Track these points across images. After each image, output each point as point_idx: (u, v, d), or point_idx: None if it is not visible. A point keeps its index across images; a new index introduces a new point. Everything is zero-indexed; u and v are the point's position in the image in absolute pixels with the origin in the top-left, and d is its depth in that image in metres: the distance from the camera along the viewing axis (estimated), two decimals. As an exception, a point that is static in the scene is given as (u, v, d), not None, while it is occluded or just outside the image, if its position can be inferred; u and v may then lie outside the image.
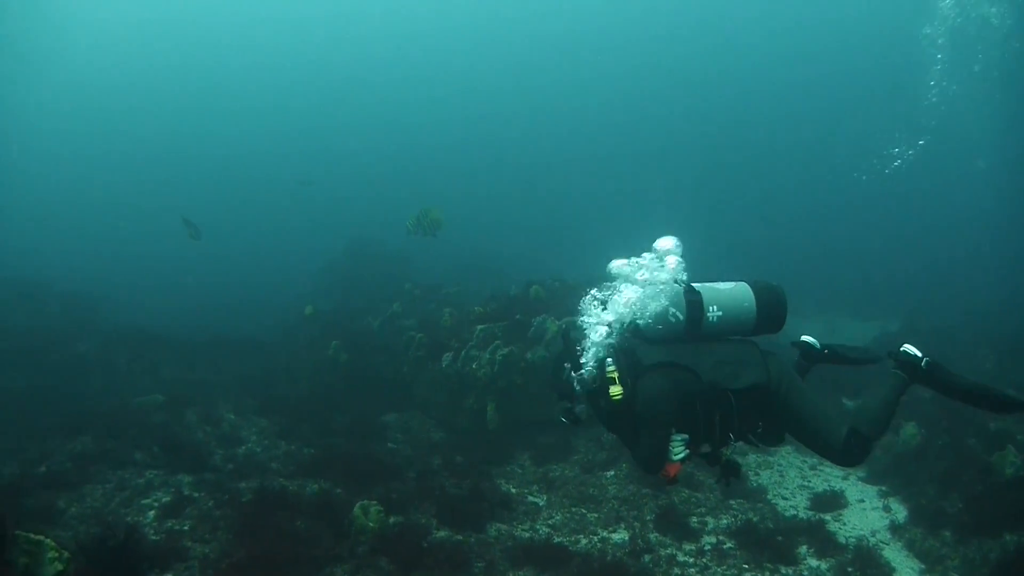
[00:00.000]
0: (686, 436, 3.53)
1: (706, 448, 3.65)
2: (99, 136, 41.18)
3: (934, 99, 19.43)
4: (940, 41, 18.40)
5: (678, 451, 3.49)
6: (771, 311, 3.71)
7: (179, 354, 13.31)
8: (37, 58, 33.54)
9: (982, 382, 3.62)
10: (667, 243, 3.94)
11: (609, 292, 3.84)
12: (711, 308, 3.60)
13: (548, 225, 28.01)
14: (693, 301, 3.59)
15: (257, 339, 14.67)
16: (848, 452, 3.56)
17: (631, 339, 3.64)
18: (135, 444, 8.63)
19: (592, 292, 3.88)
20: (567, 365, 3.67)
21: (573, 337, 3.73)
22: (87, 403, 10.32)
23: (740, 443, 3.68)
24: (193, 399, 10.36)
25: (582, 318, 3.81)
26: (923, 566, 6.39)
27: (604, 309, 3.79)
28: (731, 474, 3.64)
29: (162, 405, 10.02)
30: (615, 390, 3.37)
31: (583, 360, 3.62)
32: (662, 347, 3.55)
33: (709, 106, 41.83)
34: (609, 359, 3.50)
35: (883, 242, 26.14)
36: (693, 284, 3.70)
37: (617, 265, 3.90)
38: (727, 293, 3.68)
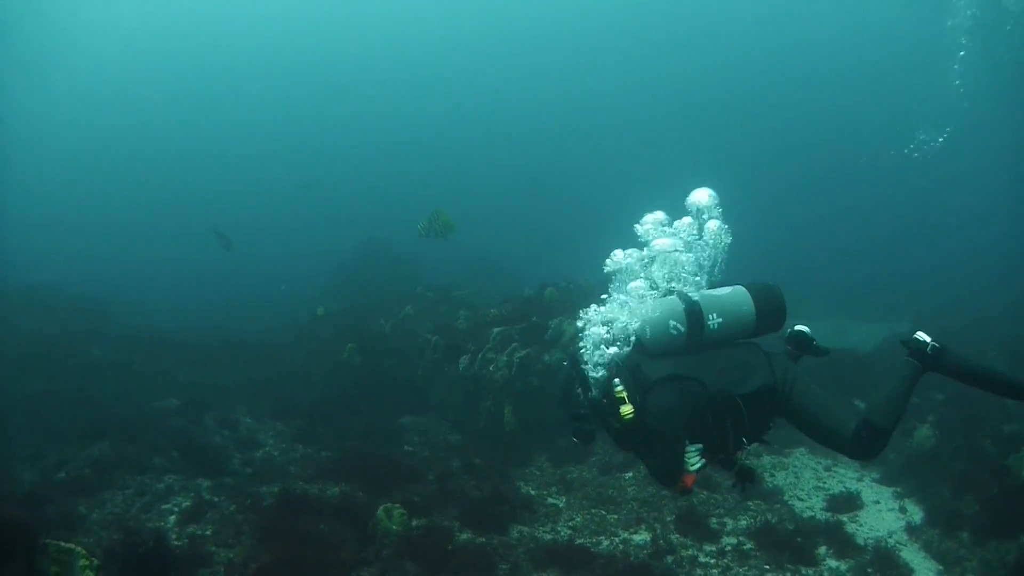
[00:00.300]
0: (700, 446, 3.54)
1: (721, 455, 3.65)
2: (107, 139, 41.21)
3: (957, 83, 19.24)
4: (965, 26, 18.22)
5: (694, 461, 3.50)
6: (770, 312, 3.71)
7: (193, 358, 13.38)
8: (44, 61, 33.61)
9: (994, 367, 3.60)
10: (702, 196, 3.83)
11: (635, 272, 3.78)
12: (711, 316, 3.59)
13: (556, 228, 28.01)
14: (693, 311, 3.59)
15: (269, 342, 14.74)
16: (859, 444, 3.54)
17: (635, 355, 3.64)
18: (153, 449, 8.67)
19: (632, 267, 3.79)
20: (576, 386, 3.67)
21: (580, 353, 3.72)
22: (103, 408, 10.38)
23: (754, 444, 3.69)
24: (209, 403, 10.41)
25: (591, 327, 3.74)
26: (941, 567, 6.42)
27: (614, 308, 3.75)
28: (746, 480, 3.65)
29: (178, 409, 10.08)
30: (625, 409, 3.37)
31: (591, 377, 3.61)
32: (667, 360, 3.55)
33: (719, 103, 41.49)
34: (616, 379, 3.49)
35: (891, 243, 26.11)
36: (691, 294, 3.71)
37: (648, 227, 3.80)
38: (725, 299, 3.68)
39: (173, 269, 23.82)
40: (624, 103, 43.14)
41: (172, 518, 7.11)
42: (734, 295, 3.70)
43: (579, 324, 3.82)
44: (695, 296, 3.67)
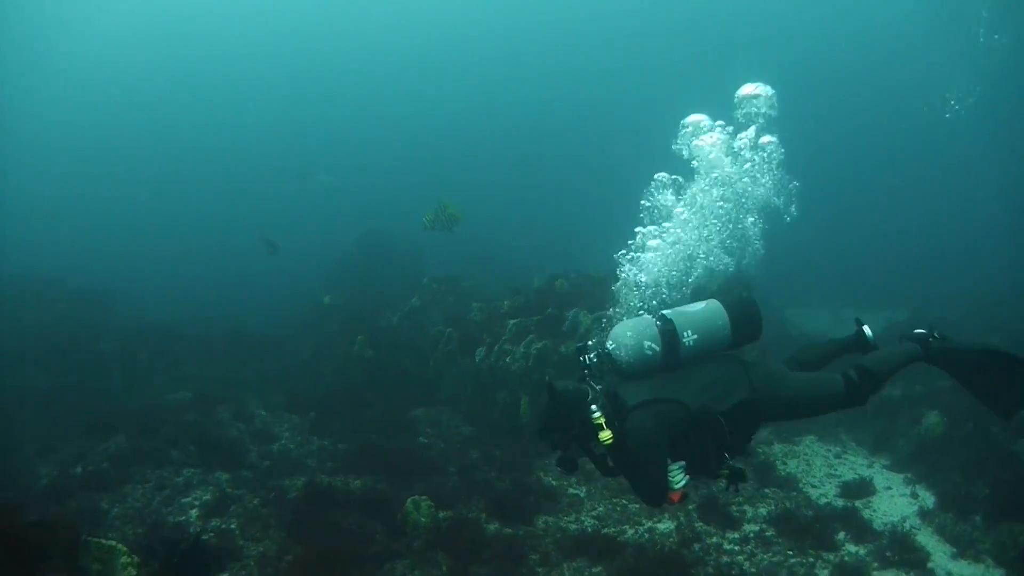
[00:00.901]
0: (683, 463, 3.55)
1: (704, 471, 3.66)
2: (107, 131, 40.60)
3: (981, 39, 19.12)
4: None
5: (678, 479, 3.51)
6: (746, 325, 3.73)
7: (199, 350, 13.28)
8: (45, 54, 33.03)
9: (994, 346, 3.69)
10: (756, 91, 3.82)
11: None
12: (685, 333, 3.61)
13: (556, 219, 27.97)
14: (667, 330, 3.59)
15: (275, 334, 14.67)
16: (852, 388, 3.65)
17: (612, 378, 3.65)
18: (170, 442, 8.66)
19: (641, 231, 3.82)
20: (557, 415, 3.60)
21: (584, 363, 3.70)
22: (114, 402, 10.32)
23: (738, 456, 3.65)
24: (221, 396, 10.39)
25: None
26: (955, 550, 6.57)
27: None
28: (738, 480, 3.63)
29: (192, 402, 10.05)
30: (604, 435, 3.38)
31: (574, 403, 3.57)
32: (644, 382, 3.56)
33: (720, 86, 40.99)
34: (594, 406, 3.48)
35: (891, 231, 26.27)
36: (664, 312, 3.71)
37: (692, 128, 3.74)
38: (699, 315, 3.69)
39: (174, 260, 23.62)
40: (628, 94, 42.73)
41: (194, 512, 7.13)
42: (708, 311, 3.71)
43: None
44: (668, 314, 3.68)
